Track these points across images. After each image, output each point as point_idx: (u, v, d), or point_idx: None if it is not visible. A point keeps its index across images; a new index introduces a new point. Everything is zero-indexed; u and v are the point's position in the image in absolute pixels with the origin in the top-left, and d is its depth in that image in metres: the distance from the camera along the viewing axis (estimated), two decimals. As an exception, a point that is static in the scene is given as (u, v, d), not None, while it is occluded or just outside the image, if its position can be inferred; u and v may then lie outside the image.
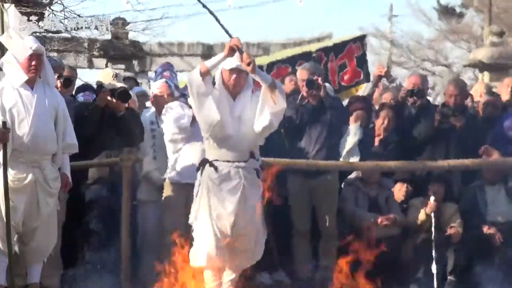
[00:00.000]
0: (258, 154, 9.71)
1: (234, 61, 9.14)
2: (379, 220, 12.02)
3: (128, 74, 14.99)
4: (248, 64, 8.88)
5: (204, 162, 9.49)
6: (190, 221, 9.67)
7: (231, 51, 8.95)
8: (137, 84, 15.05)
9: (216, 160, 9.36)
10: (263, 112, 9.21)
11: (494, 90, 14.69)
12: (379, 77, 14.52)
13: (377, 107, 13.49)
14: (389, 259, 12.07)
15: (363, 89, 15.09)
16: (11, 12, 10.44)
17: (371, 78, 15.46)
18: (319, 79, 13.43)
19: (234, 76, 9.23)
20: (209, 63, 9.06)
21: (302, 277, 11.95)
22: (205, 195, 9.33)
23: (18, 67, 10.38)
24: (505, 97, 13.46)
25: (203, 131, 9.54)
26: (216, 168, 9.30)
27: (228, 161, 9.32)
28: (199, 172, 9.55)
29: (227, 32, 8.99)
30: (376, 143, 12.25)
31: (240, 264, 9.85)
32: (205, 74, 8.98)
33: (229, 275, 9.80)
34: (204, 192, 9.36)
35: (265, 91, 9.23)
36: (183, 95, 11.95)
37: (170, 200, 11.48)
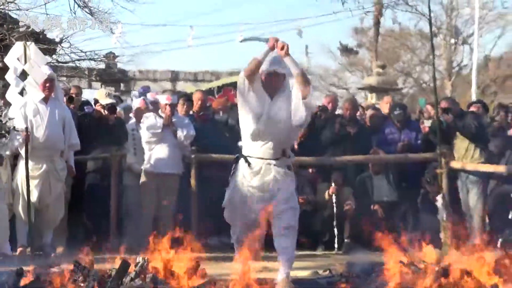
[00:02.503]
0: (289, 152, 8.06)
1: (272, 65, 7.54)
2: (298, 199, 12.09)
3: (116, 93, 14.98)
4: (282, 48, 7.42)
5: (239, 157, 7.87)
6: (223, 205, 8.15)
7: (274, 43, 7.37)
8: (122, 101, 14.99)
9: (250, 156, 7.73)
10: (299, 108, 7.69)
11: (377, 106, 14.91)
12: None
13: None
14: (303, 228, 12.22)
15: None
16: (32, 48, 10.54)
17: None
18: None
19: (272, 78, 7.54)
20: (261, 55, 7.44)
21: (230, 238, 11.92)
22: (239, 187, 7.77)
23: (37, 88, 10.50)
24: (385, 110, 13.63)
25: (244, 128, 7.89)
26: (249, 164, 7.66)
27: (261, 158, 7.66)
28: (234, 165, 7.93)
29: (262, 39, 7.49)
30: (296, 146, 12.30)
31: (286, 244, 8.00)
32: (258, 66, 7.44)
33: (281, 274, 7.96)
34: (237, 184, 7.79)
35: (296, 81, 7.72)
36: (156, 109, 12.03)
37: (145, 184, 11.53)
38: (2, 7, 15.58)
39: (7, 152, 10.71)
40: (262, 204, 7.43)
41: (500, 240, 10.56)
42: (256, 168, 7.57)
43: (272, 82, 7.48)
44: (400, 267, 7.53)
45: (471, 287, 6.88)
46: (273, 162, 7.54)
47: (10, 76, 10.51)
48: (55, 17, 16.75)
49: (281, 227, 7.69)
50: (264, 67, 7.43)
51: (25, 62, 10.41)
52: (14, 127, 10.42)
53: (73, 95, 12.50)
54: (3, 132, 10.31)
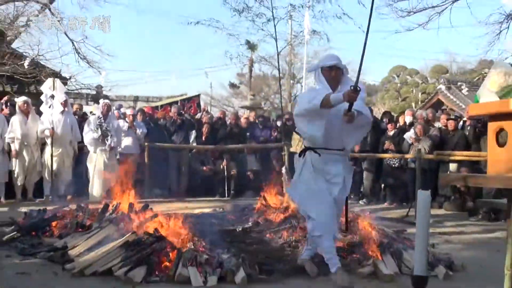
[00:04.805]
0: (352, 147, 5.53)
1: (332, 60, 4.94)
2: (205, 168, 12.18)
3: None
4: (349, 121, 4.63)
5: (305, 149, 5.02)
6: (293, 197, 5.33)
7: (349, 100, 4.49)
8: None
9: (317, 148, 4.89)
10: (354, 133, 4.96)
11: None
12: (203, 111, 14.64)
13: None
14: (209, 184, 12.41)
15: (197, 115, 15.01)
16: (57, 82, 10.66)
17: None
18: (183, 111, 13.58)
19: (333, 72, 4.84)
20: (333, 100, 4.53)
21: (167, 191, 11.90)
22: (312, 178, 4.91)
23: (59, 104, 10.51)
24: (251, 119, 13.64)
25: (310, 124, 4.84)
26: (319, 154, 4.86)
27: (328, 149, 4.88)
28: (301, 157, 5.06)
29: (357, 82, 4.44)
30: (204, 139, 12.31)
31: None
32: (328, 107, 4.59)
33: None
34: (310, 175, 4.92)
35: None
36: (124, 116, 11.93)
37: (119, 159, 11.16)
38: (35, 58, 15.43)
39: (106, 147, 10.62)
40: (337, 188, 4.85)
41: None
42: (326, 157, 4.89)
43: (334, 75, 4.89)
44: (262, 206, 7.74)
45: (299, 217, 7.06)
46: (339, 152, 4.94)
47: (43, 97, 10.68)
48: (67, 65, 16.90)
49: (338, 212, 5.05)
50: (325, 62, 4.96)
51: (54, 89, 10.44)
52: (112, 134, 10.65)
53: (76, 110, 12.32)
54: (106, 134, 10.53)
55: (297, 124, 5.01)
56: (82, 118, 11.82)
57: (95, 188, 10.56)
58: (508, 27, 12.84)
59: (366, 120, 4.85)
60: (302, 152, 5.02)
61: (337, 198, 4.85)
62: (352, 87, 4.40)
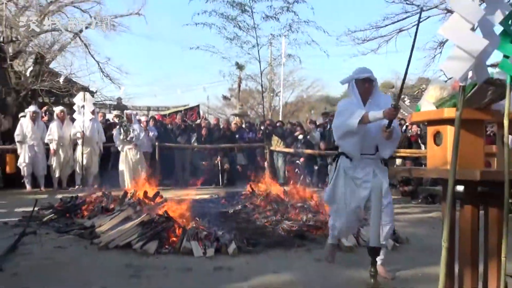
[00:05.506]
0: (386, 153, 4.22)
1: (366, 72, 4.13)
2: (203, 163, 12.10)
3: (121, 115, 14.64)
4: (388, 137, 3.94)
5: (339, 154, 4.25)
6: (325, 199, 4.41)
7: (389, 118, 3.80)
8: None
9: (350, 153, 4.13)
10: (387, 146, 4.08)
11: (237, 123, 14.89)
12: (202, 118, 14.53)
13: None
14: (207, 175, 12.24)
15: (197, 121, 14.93)
16: (87, 94, 10.55)
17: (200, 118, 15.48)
18: (186, 118, 13.46)
19: (366, 84, 4.10)
20: (372, 117, 3.87)
21: (174, 181, 11.88)
22: (341, 182, 4.18)
23: (89, 113, 10.37)
24: (239, 124, 13.62)
25: (344, 132, 4.09)
26: (351, 159, 4.12)
27: (360, 154, 4.10)
28: (335, 162, 4.29)
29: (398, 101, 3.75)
30: (202, 140, 12.23)
31: (386, 235, 4.14)
32: (365, 123, 3.93)
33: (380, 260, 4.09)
34: (340, 179, 4.19)
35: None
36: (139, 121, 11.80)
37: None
38: (68, 76, 15.32)
39: (131, 146, 10.45)
40: (365, 192, 4.09)
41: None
42: (356, 162, 4.13)
43: (367, 87, 4.14)
44: (249, 193, 7.72)
45: (278, 201, 7.04)
46: (371, 156, 4.12)
47: (76, 107, 10.56)
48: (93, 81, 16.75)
49: (385, 220, 4.01)
50: (359, 75, 4.18)
51: (84, 101, 10.33)
52: (133, 128, 10.49)
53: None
54: (127, 130, 10.35)
55: (334, 135, 4.29)
56: (105, 124, 11.71)
57: (126, 180, 10.40)
58: (441, 52, 13.08)
59: (399, 133, 4.19)
60: (336, 158, 4.30)
61: (366, 196, 4.09)
62: (392, 105, 3.81)
